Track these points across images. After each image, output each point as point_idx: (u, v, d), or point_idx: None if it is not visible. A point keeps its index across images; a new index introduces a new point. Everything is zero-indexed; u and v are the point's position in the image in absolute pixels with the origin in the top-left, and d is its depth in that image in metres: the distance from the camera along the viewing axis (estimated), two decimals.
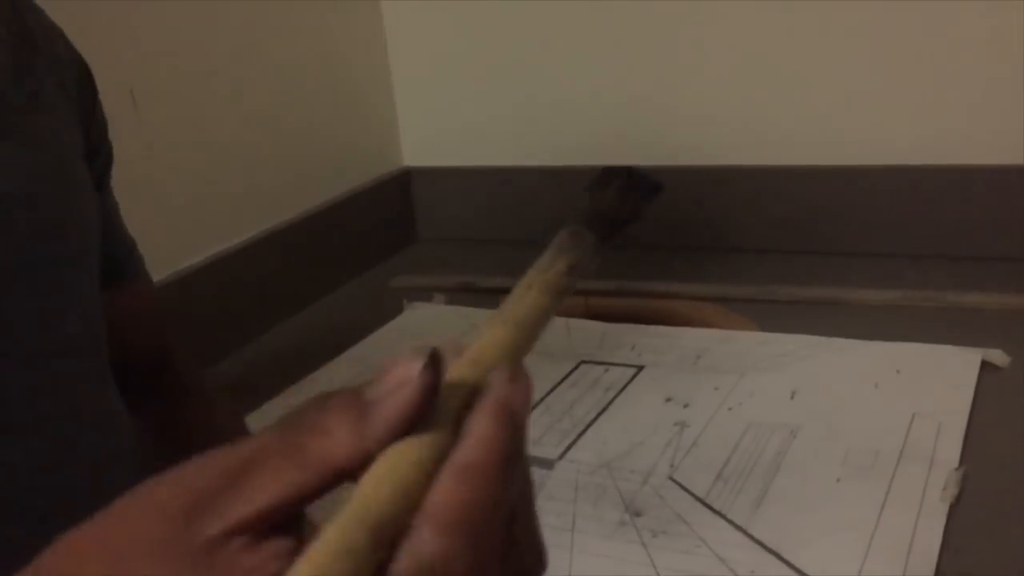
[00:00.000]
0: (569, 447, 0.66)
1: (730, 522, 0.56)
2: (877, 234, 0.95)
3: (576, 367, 0.78)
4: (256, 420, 0.74)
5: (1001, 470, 0.58)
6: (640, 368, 0.77)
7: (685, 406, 0.70)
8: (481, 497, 0.22)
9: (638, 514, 0.58)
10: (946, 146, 0.91)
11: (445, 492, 0.22)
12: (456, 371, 0.24)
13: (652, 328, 0.84)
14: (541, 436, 0.68)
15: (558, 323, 0.87)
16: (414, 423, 0.22)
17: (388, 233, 1.12)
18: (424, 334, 0.88)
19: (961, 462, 0.59)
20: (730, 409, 0.69)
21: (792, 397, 0.70)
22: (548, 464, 0.64)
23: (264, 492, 0.22)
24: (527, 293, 0.27)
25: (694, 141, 1.01)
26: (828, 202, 0.96)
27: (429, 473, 0.22)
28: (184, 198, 0.86)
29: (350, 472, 0.22)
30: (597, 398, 0.73)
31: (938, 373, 0.70)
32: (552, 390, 0.75)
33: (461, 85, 1.10)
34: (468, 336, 0.25)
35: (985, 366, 0.70)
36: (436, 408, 0.23)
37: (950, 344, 0.73)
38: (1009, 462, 0.59)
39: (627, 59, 1.01)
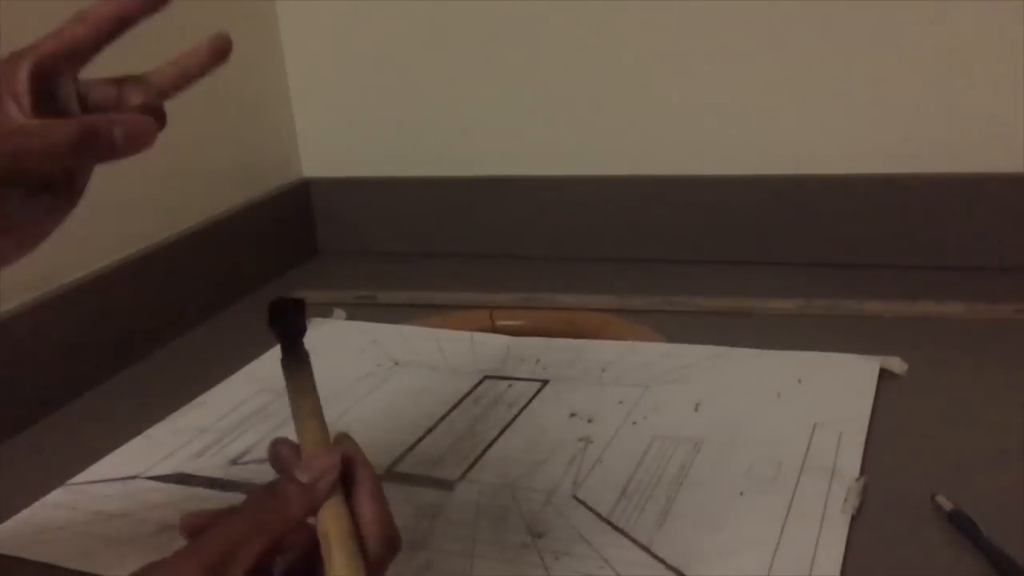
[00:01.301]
0: (470, 467, 0.64)
1: (634, 541, 0.54)
2: (777, 243, 0.96)
3: (480, 383, 0.76)
4: (153, 437, 0.71)
5: (901, 479, 0.58)
6: (545, 382, 0.75)
7: (589, 421, 0.69)
8: (385, 504, 0.39)
9: (540, 535, 0.56)
10: (839, 155, 0.92)
11: (371, 507, 0.38)
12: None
13: (557, 341, 0.83)
14: (442, 456, 0.65)
15: (462, 338, 0.85)
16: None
17: (286, 246, 1.08)
18: (324, 351, 0.85)
19: (861, 472, 0.59)
20: (635, 423, 0.68)
21: (696, 409, 0.69)
22: (448, 486, 0.62)
23: (260, 545, 0.36)
24: (304, 400, 0.41)
25: (593, 151, 1.00)
26: (729, 211, 0.97)
27: (346, 504, 0.38)
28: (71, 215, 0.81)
29: (301, 523, 0.38)
30: (500, 415, 0.71)
31: (838, 382, 0.70)
32: (454, 407, 0.72)
33: (361, 93, 1.08)
34: (297, 430, 0.40)
35: (883, 374, 0.71)
36: None
37: (849, 352, 0.74)
38: (908, 471, 0.59)
39: (527, 69, 1.00)
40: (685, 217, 0.98)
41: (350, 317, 0.92)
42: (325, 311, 0.92)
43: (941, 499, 0.55)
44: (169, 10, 0.93)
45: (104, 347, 0.83)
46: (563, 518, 0.57)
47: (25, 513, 0.62)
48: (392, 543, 0.38)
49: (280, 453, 0.39)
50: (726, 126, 0.95)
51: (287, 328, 0.42)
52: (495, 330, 0.86)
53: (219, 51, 0.45)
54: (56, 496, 0.64)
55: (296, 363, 0.41)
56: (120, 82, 0.43)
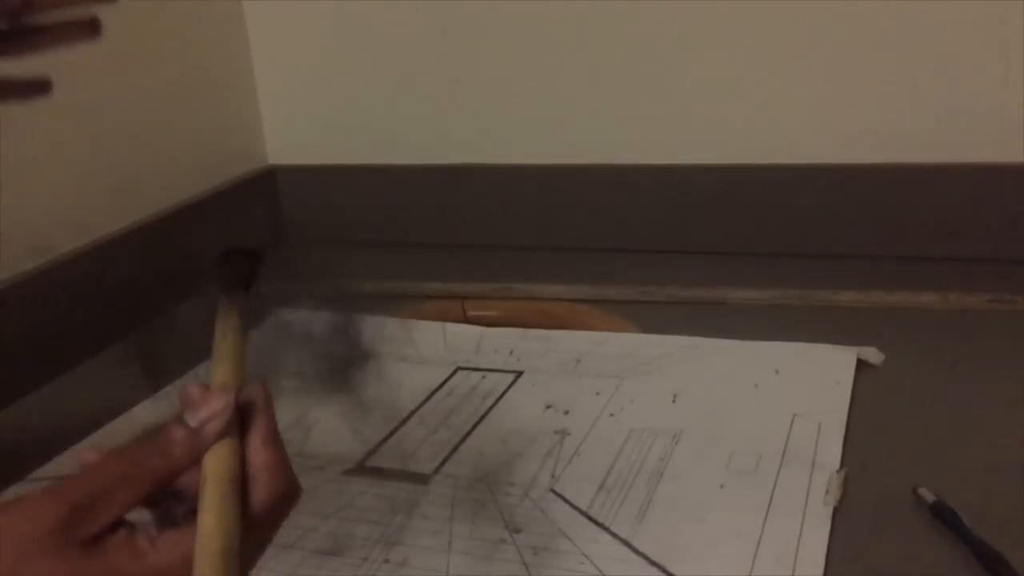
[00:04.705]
0: (445, 461, 0.62)
1: (614, 535, 0.53)
2: (752, 233, 0.95)
3: (453, 374, 0.75)
4: (116, 431, 0.68)
5: (881, 471, 0.58)
6: (519, 374, 0.74)
7: (566, 413, 0.68)
8: (279, 451, 0.36)
9: (518, 530, 0.54)
10: (814, 144, 0.92)
11: (262, 453, 0.36)
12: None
13: (531, 332, 0.81)
14: (415, 450, 0.64)
15: (434, 328, 0.84)
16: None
17: (252, 236, 1.06)
18: (291, 342, 0.83)
19: (842, 464, 0.58)
20: (612, 415, 0.67)
21: (674, 401, 0.68)
22: (423, 480, 0.60)
23: (137, 489, 0.34)
24: (225, 340, 0.40)
25: (566, 139, 0.99)
26: (704, 201, 0.96)
27: (239, 449, 0.36)
28: (27, 200, 0.79)
29: (186, 471, 0.35)
30: (474, 407, 0.69)
31: (816, 372, 0.70)
32: (427, 399, 0.71)
33: (329, 80, 1.05)
34: (209, 371, 0.39)
35: (860, 364, 0.70)
36: None
37: (826, 343, 0.73)
38: (888, 462, 0.59)
39: (493, 55, 0.98)
40: (659, 206, 0.97)
41: (317, 308, 0.90)
42: (292, 302, 0.90)
43: (923, 491, 0.54)
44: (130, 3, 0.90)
45: (64, 338, 0.80)
46: (541, 512, 0.56)
47: None
48: (282, 493, 0.36)
49: (187, 395, 0.37)
50: (701, 115, 0.94)
51: (231, 273, 0.42)
52: (467, 320, 0.85)
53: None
54: (16, 491, 0.62)
55: (227, 306, 0.40)
56: None
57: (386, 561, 0.52)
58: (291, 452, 0.64)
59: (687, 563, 0.51)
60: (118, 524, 0.33)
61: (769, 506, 0.55)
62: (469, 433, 0.66)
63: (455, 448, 0.64)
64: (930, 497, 0.54)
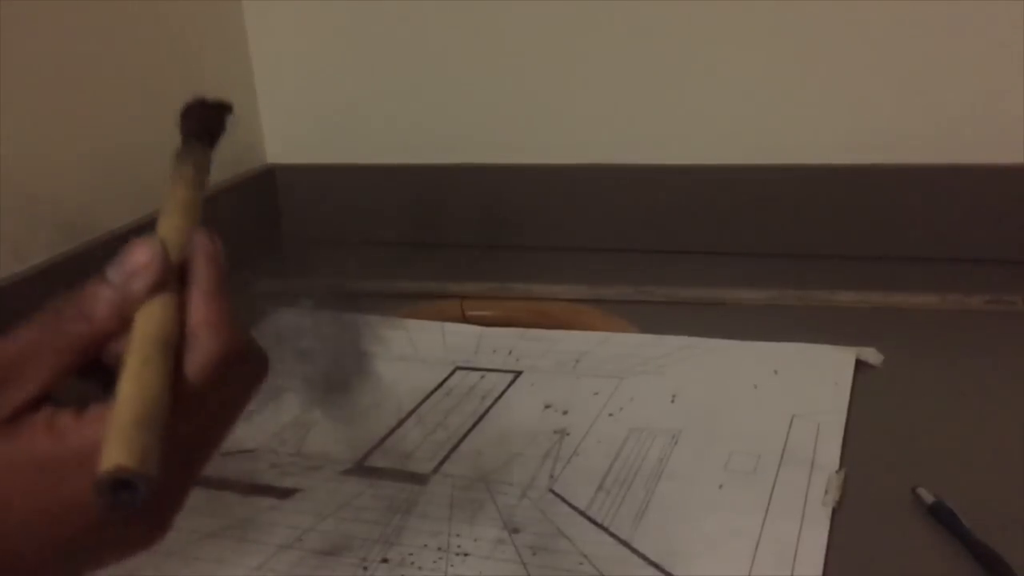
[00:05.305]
0: (443, 461, 0.62)
1: (613, 535, 0.53)
2: (750, 233, 0.95)
3: (451, 374, 0.75)
4: None
5: (880, 471, 0.58)
6: (518, 373, 0.74)
7: (565, 413, 0.67)
8: (223, 305, 0.31)
9: (517, 530, 0.54)
10: (812, 145, 0.92)
11: (202, 310, 0.31)
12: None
13: (530, 331, 0.81)
14: (413, 450, 0.64)
15: (433, 328, 0.84)
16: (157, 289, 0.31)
17: (251, 235, 1.06)
18: (289, 342, 0.82)
19: (841, 464, 0.58)
20: (611, 415, 0.67)
21: (672, 401, 0.68)
22: (421, 480, 0.60)
23: (56, 360, 0.30)
24: (175, 191, 0.36)
25: (564, 139, 0.99)
26: (704, 201, 0.96)
27: (176, 309, 0.31)
28: (26, 198, 0.79)
29: (114, 335, 0.31)
30: (473, 406, 0.69)
31: (815, 373, 0.70)
32: (425, 399, 0.71)
33: (328, 78, 1.05)
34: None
35: (859, 365, 0.70)
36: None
37: (824, 343, 0.73)
38: (887, 463, 0.59)
39: (493, 55, 0.98)
40: (658, 207, 0.97)
41: (318, 307, 0.89)
42: (292, 301, 0.90)
43: (922, 491, 0.54)
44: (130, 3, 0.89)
45: None
46: (540, 512, 0.56)
47: None
48: (226, 352, 0.30)
49: (124, 249, 0.32)
50: (701, 115, 0.94)
51: (192, 124, 0.39)
52: (466, 320, 0.85)
53: None
54: None
55: (182, 158, 0.37)
56: None
57: (384, 561, 0.52)
58: (289, 452, 0.64)
59: (686, 563, 0.51)
60: (41, 401, 0.30)
61: (768, 506, 0.55)
62: (468, 433, 0.66)
63: (454, 448, 0.64)
64: (929, 497, 0.54)
